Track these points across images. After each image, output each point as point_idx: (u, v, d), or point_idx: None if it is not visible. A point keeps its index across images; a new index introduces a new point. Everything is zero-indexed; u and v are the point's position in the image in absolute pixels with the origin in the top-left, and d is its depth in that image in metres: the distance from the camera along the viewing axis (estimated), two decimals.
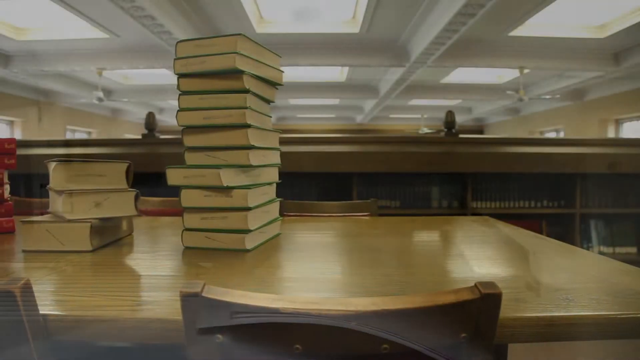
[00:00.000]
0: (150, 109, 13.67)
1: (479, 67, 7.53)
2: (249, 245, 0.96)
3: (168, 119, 15.14)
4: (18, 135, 9.87)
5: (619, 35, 6.01)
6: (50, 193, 1.11)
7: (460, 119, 15.54)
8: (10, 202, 1.27)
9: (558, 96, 9.77)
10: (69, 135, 12.23)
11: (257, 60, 1.00)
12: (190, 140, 0.97)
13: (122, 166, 1.02)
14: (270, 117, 1.10)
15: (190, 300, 0.49)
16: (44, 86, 9.40)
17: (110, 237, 1.06)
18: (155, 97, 11.11)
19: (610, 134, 10.18)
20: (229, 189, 0.94)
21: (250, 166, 0.97)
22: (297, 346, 0.49)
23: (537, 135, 12.84)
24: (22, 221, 0.98)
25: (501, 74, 9.48)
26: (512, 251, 0.99)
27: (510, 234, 1.21)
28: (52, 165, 0.98)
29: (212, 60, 0.93)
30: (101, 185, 1.00)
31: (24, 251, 0.97)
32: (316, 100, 12.68)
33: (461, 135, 3.28)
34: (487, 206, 3.18)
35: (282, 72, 1.12)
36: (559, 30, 6.01)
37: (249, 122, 0.94)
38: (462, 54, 6.55)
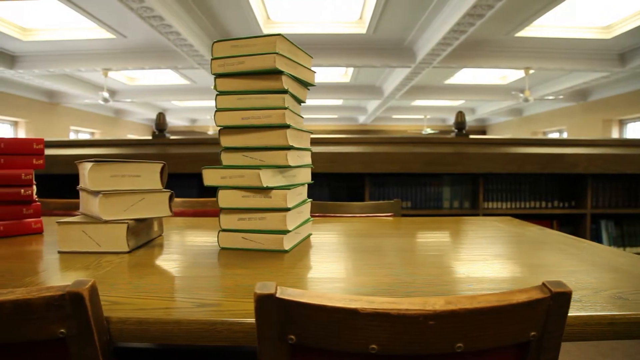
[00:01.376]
0: (154, 110, 13.67)
1: (484, 68, 7.52)
2: (287, 246, 0.96)
3: (172, 120, 15.16)
4: (22, 135, 9.87)
5: (625, 36, 6.01)
6: (82, 194, 1.11)
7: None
8: (38, 203, 1.27)
9: (561, 97, 9.77)
10: (72, 136, 12.24)
11: (293, 61, 1.00)
12: (227, 141, 0.97)
13: (157, 166, 1.02)
14: (303, 117, 1.10)
15: (264, 302, 0.49)
16: (49, 87, 9.40)
17: (144, 238, 1.06)
18: (159, 98, 11.11)
19: (614, 134, 10.18)
20: (268, 189, 0.93)
21: (289, 167, 0.97)
22: (373, 346, 0.49)
23: (540, 136, 12.84)
24: (58, 222, 0.98)
25: (505, 75, 9.48)
26: (552, 251, 0.99)
27: (542, 235, 1.20)
28: (87, 166, 0.98)
29: (251, 61, 0.93)
30: (136, 186, 1.00)
31: (59, 252, 0.97)
32: (319, 101, 12.69)
33: (472, 136, 3.28)
34: (499, 206, 3.18)
35: (315, 72, 1.12)
36: (565, 31, 6.01)
37: (288, 123, 0.93)
38: (468, 54, 6.54)
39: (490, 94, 10.86)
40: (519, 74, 8.62)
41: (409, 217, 1.57)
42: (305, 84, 1.09)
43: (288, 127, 0.94)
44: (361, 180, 3.09)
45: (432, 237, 1.20)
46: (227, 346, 0.82)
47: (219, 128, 0.97)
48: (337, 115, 15.67)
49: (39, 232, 1.25)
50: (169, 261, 0.91)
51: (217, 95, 0.97)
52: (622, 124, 10.26)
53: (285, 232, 0.95)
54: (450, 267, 0.85)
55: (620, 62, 7.10)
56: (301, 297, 0.49)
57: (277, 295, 0.49)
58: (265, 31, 5.67)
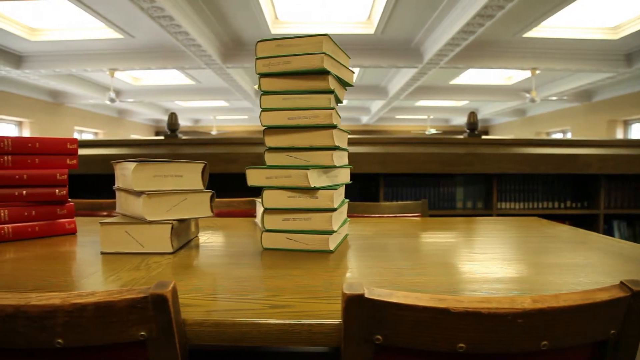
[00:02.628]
0: (157, 110, 13.67)
1: (491, 69, 7.52)
2: (332, 246, 0.95)
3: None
4: (26, 135, 9.88)
5: (633, 36, 6.00)
6: (119, 194, 1.10)
7: (465, 120, 15.53)
8: (71, 203, 1.26)
9: (565, 98, 9.76)
10: (76, 136, 12.24)
11: (336, 61, 0.99)
12: (271, 141, 0.96)
13: (199, 166, 1.02)
14: (341, 117, 1.09)
15: (353, 302, 0.48)
16: (54, 87, 9.40)
17: (184, 238, 1.06)
18: (163, 98, 11.11)
19: (619, 135, 10.17)
20: (315, 189, 0.93)
21: (334, 167, 0.96)
22: (461, 345, 0.49)
23: (543, 136, 12.83)
24: (101, 222, 0.97)
25: (510, 75, 9.47)
26: (594, 251, 0.98)
27: (577, 235, 1.20)
28: (129, 166, 0.97)
29: (297, 60, 0.93)
30: (179, 186, 1.00)
31: (102, 253, 0.96)
32: None
33: (484, 137, 3.28)
34: (512, 207, 3.18)
35: (353, 72, 1.11)
36: (573, 31, 6.00)
37: (335, 123, 0.93)
38: (475, 55, 6.54)
39: (495, 95, 10.85)
40: (525, 74, 8.62)
41: (436, 218, 1.56)
42: (345, 84, 1.08)
43: (335, 127, 0.94)
44: (375, 180, 3.08)
45: (468, 237, 1.20)
46: (258, 347, 0.81)
47: (263, 128, 0.96)
48: (340, 116, 15.65)
49: (73, 232, 1.25)
50: (216, 262, 0.90)
51: (261, 95, 0.96)
52: (626, 124, 10.25)
53: (331, 232, 0.94)
54: (504, 268, 0.84)
55: (627, 63, 7.10)
56: (390, 297, 0.49)
57: (367, 295, 0.48)
58: (274, 31, 5.67)
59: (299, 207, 0.94)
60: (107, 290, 0.50)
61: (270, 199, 0.95)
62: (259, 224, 1.30)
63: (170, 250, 0.95)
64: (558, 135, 12.86)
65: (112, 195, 1.29)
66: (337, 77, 0.99)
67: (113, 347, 0.52)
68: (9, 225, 1.14)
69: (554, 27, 5.84)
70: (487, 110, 13.95)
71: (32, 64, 7.02)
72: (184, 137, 3.36)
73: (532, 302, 0.49)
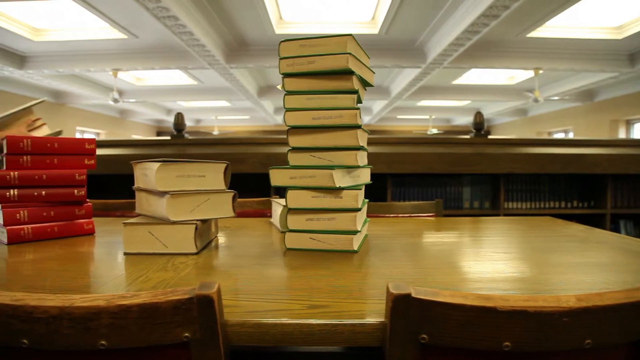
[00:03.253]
0: (158, 110, 13.65)
1: (495, 69, 7.52)
2: (355, 246, 0.95)
3: None
4: None
5: (637, 36, 6.00)
6: (139, 194, 1.10)
7: (467, 120, 15.54)
8: (89, 204, 1.26)
9: (567, 97, 9.76)
10: (78, 136, 12.23)
11: (359, 61, 0.99)
12: (295, 141, 0.96)
13: (221, 166, 1.02)
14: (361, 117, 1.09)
15: (400, 302, 0.48)
16: (56, 87, 9.40)
17: (206, 239, 1.06)
18: (165, 98, 11.12)
19: (621, 134, 10.17)
20: (340, 189, 0.93)
21: (357, 167, 0.96)
22: (507, 343, 0.49)
23: (545, 136, 12.82)
24: (124, 223, 0.97)
25: (513, 75, 9.47)
26: (615, 250, 0.98)
27: (596, 235, 1.19)
28: (153, 166, 0.97)
29: (322, 60, 0.93)
30: (201, 186, 0.99)
31: (125, 254, 0.96)
32: None
33: (491, 137, 3.28)
34: (519, 207, 3.18)
35: (374, 72, 1.11)
36: (576, 31, 6.00)
37: (359, 123, 0.93)
38: (478, 55, 6.54)
39: (497, 95, 10.85)
40: (527, 74, 8.61)
41: (451, 217, 1.56)
42: (365, 84, 1.08)
43: (359, 127, 0.94)
44: (383, 180, 3.08)
45: (487, 237, 1.19)
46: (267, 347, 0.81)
47: (287, 128, 0.96)
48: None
49: (91, 233, 1.24)
50: (242, 262, 0.90)
51: (285, 95, 0.96)
52: (629, 124, 10.25)
53: (355, 232, 0.94)
54: (530, 267, 0.84)
55: (630, 63, 7.09)
56: (437, 296, 0.49)
57: (413, 295, 0.48)
58: (278, 31, 5.67)
59: (323, 207, 0.94)
60: (151, 291, 0.50)
61: (294, 199, 0.95)
62: (276, 224, 1.30)
63: (194, 250, 0.95)
64: (560, 135, 12.85)
65: (119, 195, 1.29)
66: (360, 77, 0.99)
67: (156, 349, 0.52)
68: (29, 226, 1.14)
69: (558, 27, 5.84)
70: (488, 110, 13.95)
71: (35, 64, 7.02)
72: (190, 137, 3.36)
73: (577, 301, 0.49)
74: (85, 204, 1.25)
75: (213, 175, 1.01)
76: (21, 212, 1.14)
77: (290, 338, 0.55)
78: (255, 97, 10.37)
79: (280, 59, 0.96)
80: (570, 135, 12.19)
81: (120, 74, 8.25)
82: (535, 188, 3.23)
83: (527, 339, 0.49)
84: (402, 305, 0.49)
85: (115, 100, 7.70)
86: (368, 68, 1.07)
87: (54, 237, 1.18)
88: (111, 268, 0.86)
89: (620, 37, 6.11)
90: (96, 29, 5.84)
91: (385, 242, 1.09)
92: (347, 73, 0.93)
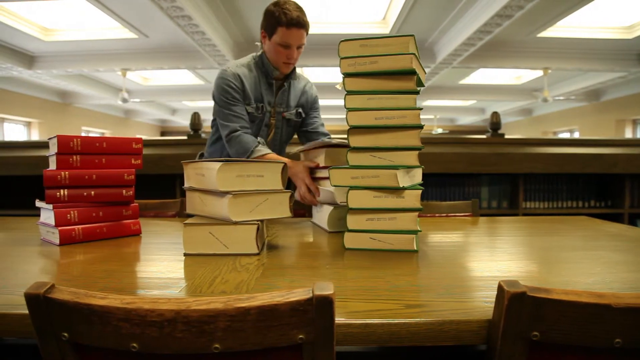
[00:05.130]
0: (163, 110, 13.59)
1: (504, 68, 7.51)
2: (416, 246, 0.95)
3: (181, 120, 15.16)
4: (35, 136, 9.89)
5: None
6: (192, 194, 1.10)
7: (472, 119, 15.53)
8: (136, 204, 1.26)
9: (573, 97, 9.74)
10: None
11: (418, 61, 0.99)
12: (356, 141, 0.96)
13: (278, 166, 1.01)
14: None
15: (515, 299, 0.48)
16: (63, 87, 9.40)
17: (261, 239, 1.05)
18: (172, 98, 11.12)
19: (627, 134, 10.15)
20: (403, 189, 0.93)
21: (417, 167, 0.96)
22: (618, 340, 0.49)
23: (550, 136, 12.81)
24: (185, 224, 0.97)
25: (520, 75, 9.45)
26: None
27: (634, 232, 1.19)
28: (213, 166, 0.97)
29: (385, 61, 0.93)
30: (260, 186, 0.99)
31: (185, 255, 0.96)
32: (330, 101, 12.67)
33: (508, 136, 3.28)
34: (537, 206, 3.17)
35: (425, 73, 1.11)
36: (587, 31, 5.99)
37: (422, 124, 0.93)
38: (488, 55, 6.53)
39: (504, 94, 10.84)
40: (534, 74, 8.60)
41: (488, 217, 1.56)
42: (419, 84, 1.08)
43: (422, 127, 0.93)
44: None
45: (541, 236, 1.19)
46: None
47: (348, 128, 0.96)
48: (344, 116, 15.65)
49: (137, 233, 1.24)
50: (309, 262, 0.89)
51: (346, 94, 0.96)
52: (635, 124, 10.23)
53: (416, 232, 0.94)
54: (602, 265, 0.84)
55: (639, 62, 7.08)
56: (550, 294, 0.49)
57: (529, 293, 0.49)
58: None
59: (385, 207, 0.94)
60: (268, 293, 0.50)
61: (356, 199, 0.95)
62: (320, 224, 1.30)
63: (256, 251, 0.95)
64: (565, 135, 12.83)
65: (139, 195, 1.27)
66: (418, 77, 0.99)
67: (268, 352, 0.51)
68: (79, 227, 1.14)
69: (568, 26, 5.83)
70: (492, 110, 13.94)
71: (44, 64, 7.02)
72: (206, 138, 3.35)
73: None
74: (132, 205, 1.25)
75: (271, 175, 1.00)
76: (71, 212, 1.14)
77: (396, 338, 0.55)
78: None
79: (341, 58, 0.96)
80: (576, 135, 12.18)
81: (128, 74, 8.25)
82: (553, 188, 3.23)
83: (636, 334, 0.49)
84: (516, 303, 0.49)
85: (124, 100, 7.70)
86: (422, 67, 1.07)
87: (103, 237, 1.17)
88: (178, 269, 0.86)
89: (630, 36, 6.10)
90: (106, 29, 5.84)
91: (439, 241, 1.09)
92: (410, 73, 0.93)
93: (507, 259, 0.91)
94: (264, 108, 1.67)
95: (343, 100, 0.97)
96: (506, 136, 3.21)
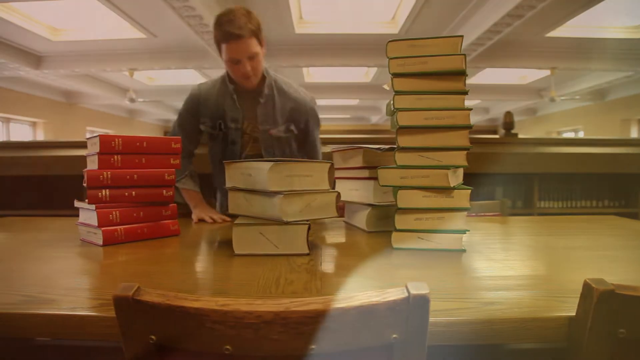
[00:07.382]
0: (166, 110, 13.54)
1: (511, 68, 7.50)
2: (464, 245, 0.96)
3: None
4: (40, 136, 9.89)
5: None
6: (235, 194, 1.10)
7: (475, 119, 15.52)
8: (175, 204, 1.27)
9: (578, 97, 9.73)
10: (88, 136, 12.23)
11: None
12: (404, 141, 0.97)
13: (325, 166, 1.02)
14: (351, 117, 1.10)
15: (605, 297, 0.49)
16: (69, 87, 9.41)
17: (309, 239, 1.06)
18: (176, 98, 11.12)
19: (633, 134, 10.14)
20: (452, 189, 0.93)
21: (464, 166, 0.97)
22: None
23: (554, 135, 12.80)
24: (235, 224, 0.98)
25: (525, 75, 9.45)
26: None
27: None
28: (263, 166, 0.97)
29: (435, 61, 0.93)
30: (308, 186, 1.00)
31: (236, 255, 0.97)
32: (335, 101, 12.68)
33: (522, 136, 3.28)
34: (552, 206, 3.17)
35: (467, 75, 1.12)
36: (595, 30, 5.99)
37: (471, 124, 0.93)
38: (496, 55, 6.52)
39: (509, 94, 10.83)
40: (540, 73, 8.59)
41: (520, 217, 1.57)
42: None
43: (471, 127, 0.94)
44: None
45: (574, 235, 1.19)
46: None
47: (397, 128, 0.97)
48: (349, 115, 15.65)
49: (176, 234, 1.25)
50: (364, 262, 0.89)
51: (395, 95, 0.97)
52: None
53: (465, 231, 0.95)
54: None
55: None
56: (638, 291, 0.49)
57: (617, 290, 0.49)
58: (298, 30, 5.67)
59: (434, 207, 0.95)
60: (364, 293, 0.50)
61: (405, 198, 0.96)
62: (356, 224, 1.31)
63: (307, 251, 0.95)
64: (569, 135, 12.82)
65: None
66: None
67: (361, 351, 0.51)
68: (121, 227, 1.14)
69: (577, 26, 5.83)
70: (497, 110, 13.93)
71: (51, 64, 7.02)
72: None
73: None
74: (171, 205, 1.26)
75: (319, 174, 1.01)
76: (113, 212, 1.15)
77: (480, 336, 0.55)
78: None
79: (390, 59, 0.96)
80: (581, 135, 12.16)
81: (135, 74, 8.26)
82: (567, 187, 3.23)
83: None
84: (605, 301, 0.49)
85: (132, 100, 7.71)
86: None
87: (144, 238, 1.18)
88: (234, 269, 0.86)
89: (638, 36, 6.10)
90: (114, 29, 5.85)
91: (482, 240, 1.09)
92: (459, 74, 0.93)
93: (553, 256, 0.91)
94: (222, 125, 1.59)
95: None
96: (519, 136, 3.21)
